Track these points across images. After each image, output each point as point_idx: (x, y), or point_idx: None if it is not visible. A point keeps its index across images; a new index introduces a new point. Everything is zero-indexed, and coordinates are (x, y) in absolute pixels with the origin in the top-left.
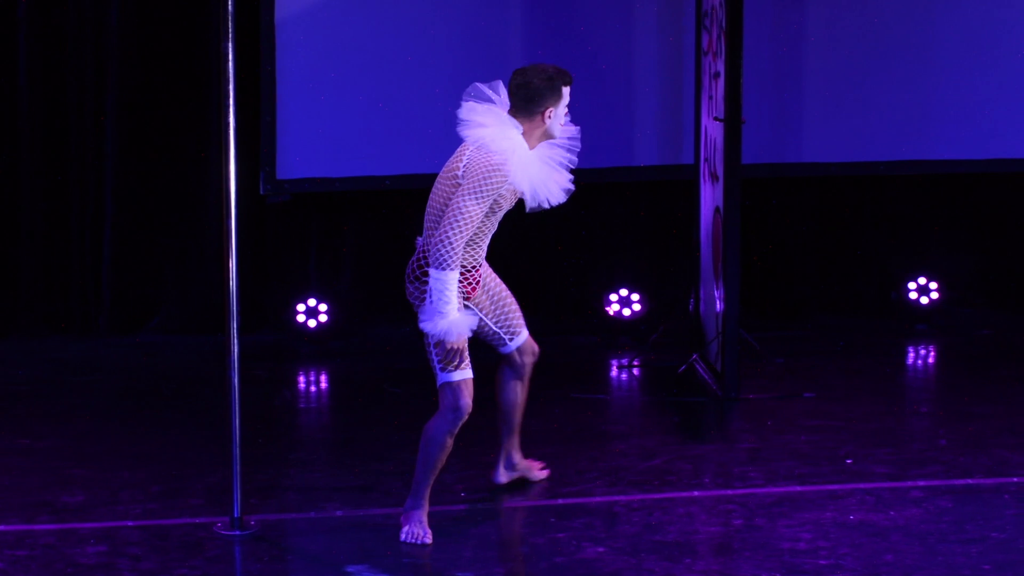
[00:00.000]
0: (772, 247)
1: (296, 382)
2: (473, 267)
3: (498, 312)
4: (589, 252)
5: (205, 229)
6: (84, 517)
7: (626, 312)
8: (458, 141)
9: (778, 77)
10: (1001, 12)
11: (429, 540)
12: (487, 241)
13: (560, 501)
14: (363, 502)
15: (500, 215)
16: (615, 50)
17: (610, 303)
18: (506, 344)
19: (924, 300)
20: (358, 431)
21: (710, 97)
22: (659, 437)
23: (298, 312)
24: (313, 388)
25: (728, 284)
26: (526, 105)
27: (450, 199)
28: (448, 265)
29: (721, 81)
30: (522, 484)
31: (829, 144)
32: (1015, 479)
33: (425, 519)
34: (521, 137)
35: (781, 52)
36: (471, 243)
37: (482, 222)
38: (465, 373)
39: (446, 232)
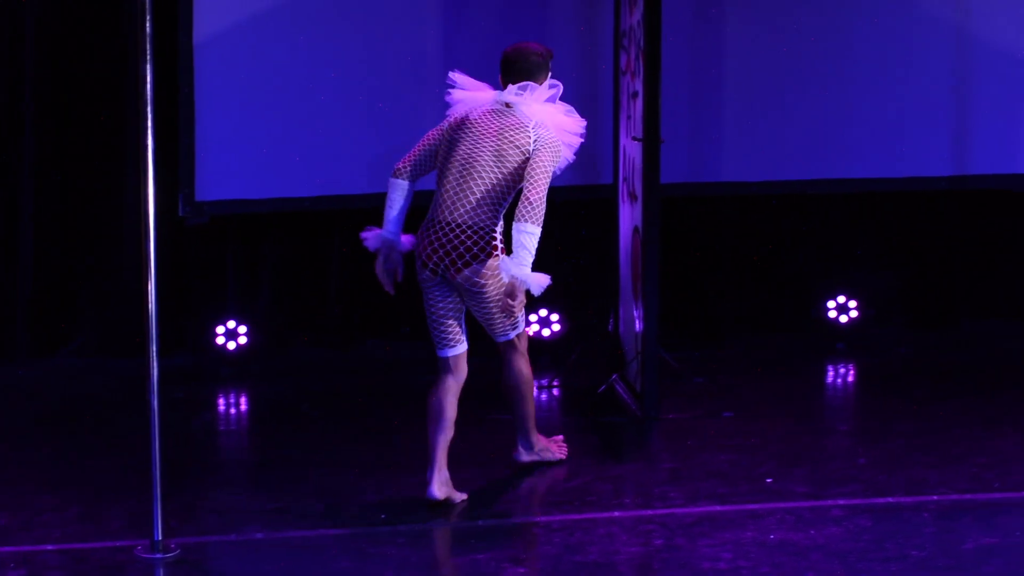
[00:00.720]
0: (692, 266)
1: (216, 404)
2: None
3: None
4: None
5: (124, 251)
6: (3, 541)
7: (545, 332)
8: (379, 163)
9: (697, 96)
10: (916, 33)
11: (564, 453)
12: None
13: (480, 523)
14: (283, 524)
15: None
16: None
17: (530, 323)
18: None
19: (843, 318)
20: (277, 453)
21: (628, 117)
22: (579, 458)
23: (217, 334)
24: (233, 410)
25: (647, 304)
26: (531, 79)
27: (511, 170)
28: (542, 221)
29: (640, 101)
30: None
31: (748, 163)
32: (934, 497)
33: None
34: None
35: (700, 71)
36: (500, 210)
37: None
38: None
39: (539, 193)
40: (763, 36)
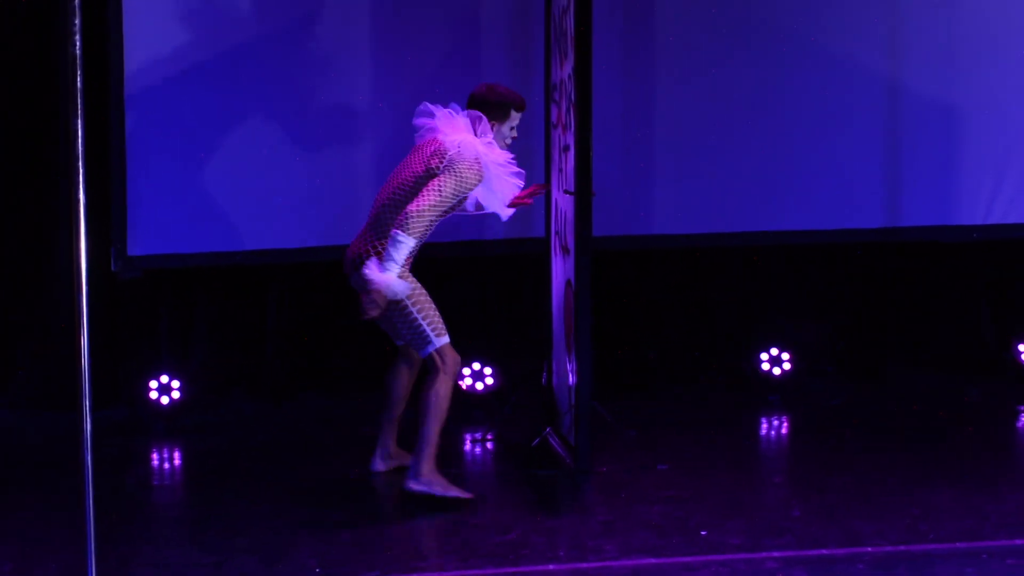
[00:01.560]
0: (624, 319)
1: (150, 459)
2: (412, 256)
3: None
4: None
5: (56, 305)
6: None
7: (479, 386)
8: (312, 217)
9: (629, 149)
10: (849, 85)
11: (469, 495)
12: (431, 230)
13: (415, 575)
14: None
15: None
16: None
17: (463, 377)
18: (423, 349)
19: (776, 371)
20: (212, 507)
21: (560, 170)
22: (513, 510)
23: (151, 388)
24: (167, 465)
25: (580, 357)
26: (484, 111)
27: (419, 186)
28: (414, 233)
29: (571, 154)
30: (398, 478)
31: (681, 216)
32: (868, 548)
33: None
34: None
35: (632, 123)
36: (421, 228)
37: (439, 220)
38: (447, 337)
39: (422, 204)
40: (695, 88)
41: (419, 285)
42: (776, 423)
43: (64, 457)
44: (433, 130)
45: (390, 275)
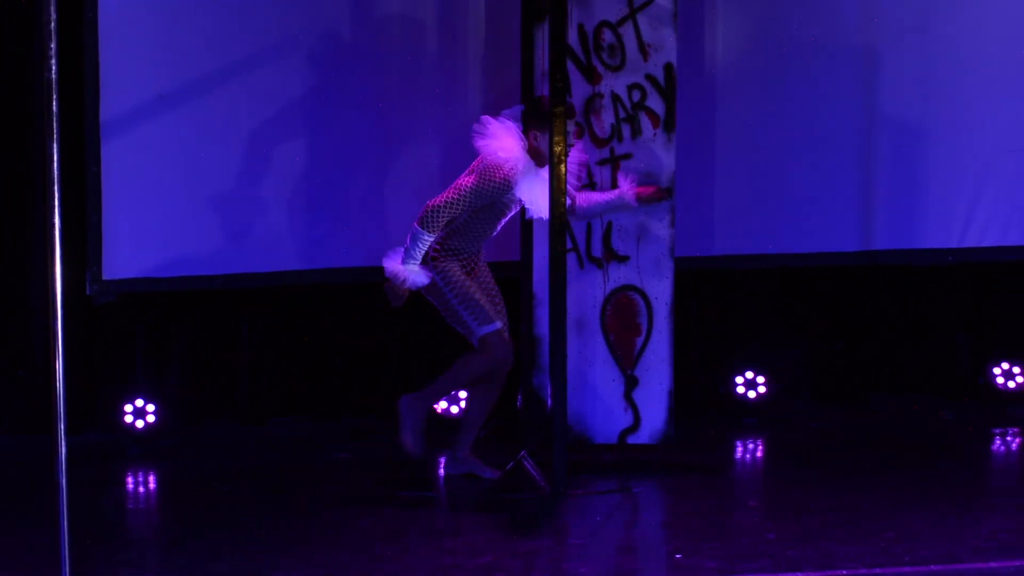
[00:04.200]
0: None
1: (125, 482)
2: (469, 253)
3: (489, 296)
4: (416, 350)
5: (33, 328)
6: None
7: (454, 409)
8: (286, 241)
9: None
10: (824, 109)
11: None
12: (485, 238)
13: None
14: None
15: (503, 221)
16: (435, 158)
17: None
18: (470, 337)
19: (752, 394)
20: (188, 531)
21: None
22: (489, 534)
23: (126, 412)
24: (142, 488)
25: (555, 380)
26: (524, 129)
27: None
28: (428, 226)
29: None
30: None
31: None
32: (844, 572)
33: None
34: (524, 152)
35: None
36: (470, 233)
37: (486, 220)
38: (495, 325)
39: (439, 199)
40: (684, 114)
41: (463, 277)
42: (752, 446)
43: (40, 481)
44: (485, 143)
45: (407, 266)
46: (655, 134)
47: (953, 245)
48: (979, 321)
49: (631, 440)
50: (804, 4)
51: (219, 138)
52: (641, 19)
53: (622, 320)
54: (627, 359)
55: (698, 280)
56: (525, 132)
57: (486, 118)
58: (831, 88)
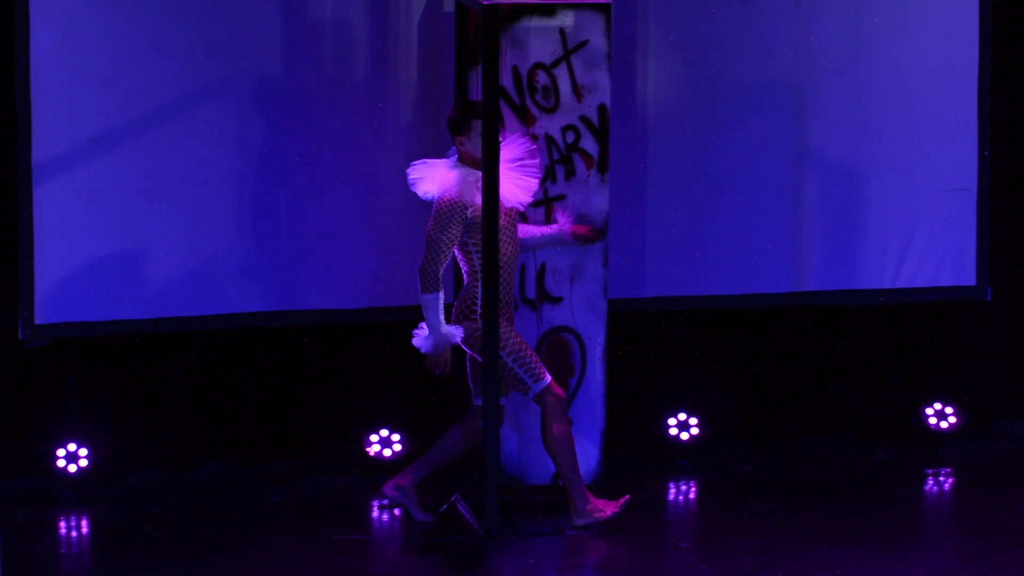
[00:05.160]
0: None
1: (57, 528)
2: (505, 303)
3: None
4: (348, 393)
5: None
6: None
7: (387, 452)
8: (215, 284)
9: None
10: (757, 148)
11: (624, 500)
12: (510, 281)
13: None
14: None
15: (513, 262)
16: (368, 199)
17: (370, 443)
18: (526, 393)
19: (684, 436)
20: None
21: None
22: None
23: (58, 456)
24: (75, 533)
25: (488, 422)
26: (452, 136)
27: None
28: (427, 288)
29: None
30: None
31: None
32: None
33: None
34: (455, 166)
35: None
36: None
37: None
38: (548, 378)
39: (422, 260)
40: (618, 153)
41: (510, 330)
42: (684, 487)
43: None
44: (419, 182)
45: (434, 334)
46: (589, 175)
47: (886, 286)
48: (911, 361)
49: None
50: (736, 45)
51: (151, 181)
52: (575, 61)
53: (556, 361)
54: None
55: (631, 321)
56: (453, 140)
57: (414, 163)
58: (764, 129)
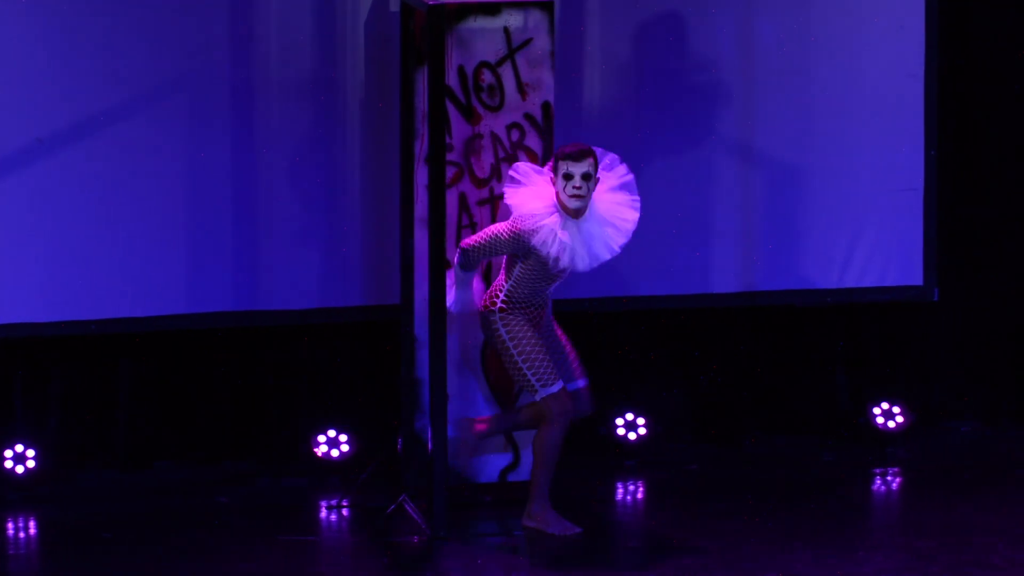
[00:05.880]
0: None
1: (5, 529)
2: (531, 305)
3: (554, 354)
4: (296, 394)
5: None
6: None
7: (334, 453)
8: (160, 286)
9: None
10: (704, 147)
11: (578, 528)
12: (544, 290)
13: None
14: None
15: (553, 277)
16: (314, 199)
17: (318, 444)
18: (531, 395)
19: (632, 435)
20: None
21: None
22: None
23: (5, 458)
24: (23, 535)
25: (435, 423)
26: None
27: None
28: (462, 266)
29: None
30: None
31: None
32: None
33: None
34: (553, 199)
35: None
36: (526, 282)
37: (540, 272)
38: (557, 385)
39: (472, 243)
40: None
41: (529, 333)
42: (632, 488)
43: None
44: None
45: (458, 279)
46: None
47: (832, 286)
48: (858, 361)
49: (511, 478)
50: (680, 44)
51: (99, 181)
52: (520, 59)
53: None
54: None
55: (579, 321)
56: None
57: (514, 177)
58: (709, 128)
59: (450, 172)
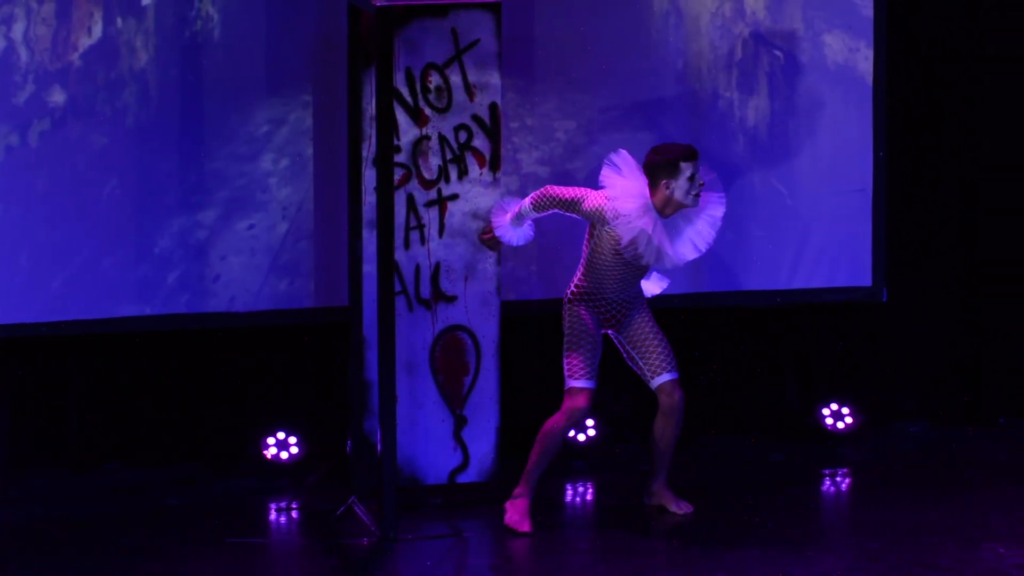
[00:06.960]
0: None
1: None
2: (598, 298)
3: (638, 350)
4: (245, 396)
5: None
6: None
7: (284, 455)
8: (111, 288)
9: None
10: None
11: (527, 529)
12: (612, 285)
13: None
14: None
15: (629, 266)
16: (262, 200)
17: (268, 446)
18: (649, 381)
19: (581, 437)
20: None
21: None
22: None
23: None
24: None
25: (384, 425)
26: (650, 177)
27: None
28: (534, 202)
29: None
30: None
31: None
32: None
33: (528, 509)
34: (649, 199)
35: None
36: (596, 273)
37: (610, 263)
38: (582, 382)
39: (557, 188)
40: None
41: (583, 325)
42: (581, 489)
43: None
44: (609, 191)
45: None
46: (481, 173)
47: (782, 286)
48: (808, 362)
49: (461, 479)
50: (625, 47)
51: (46, 184)
52: (467, 60)
53: (451, 360)
54: (456, 399)
55: (527, 323)
56: (655, 183)
57: (623, 152)
58: (660, 133)
59: (398, 174)
